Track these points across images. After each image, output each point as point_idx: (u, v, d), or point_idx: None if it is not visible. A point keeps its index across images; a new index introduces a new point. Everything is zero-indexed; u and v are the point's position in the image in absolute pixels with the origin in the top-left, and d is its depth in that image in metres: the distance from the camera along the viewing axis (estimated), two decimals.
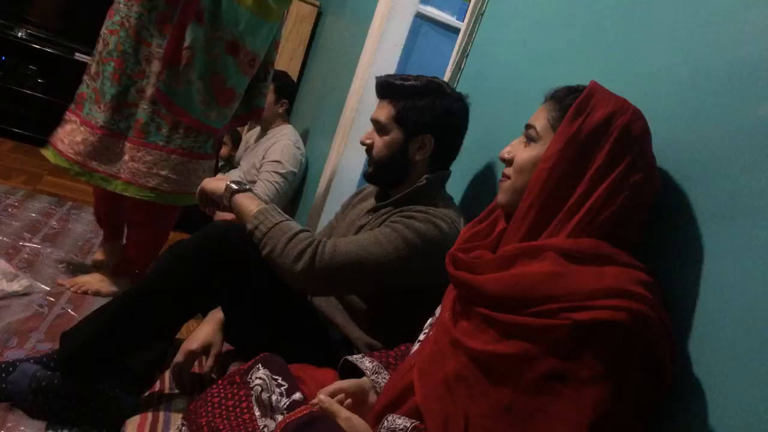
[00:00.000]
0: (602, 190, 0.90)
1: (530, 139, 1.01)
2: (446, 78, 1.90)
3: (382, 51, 2.67)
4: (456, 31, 1.98)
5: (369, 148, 1.56)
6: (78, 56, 3.92)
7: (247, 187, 1.48)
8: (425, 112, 1.49)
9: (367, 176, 1.59)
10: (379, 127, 1.54)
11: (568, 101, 0.96)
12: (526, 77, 1.55)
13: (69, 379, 1.31)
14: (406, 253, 1.36)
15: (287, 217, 1.41)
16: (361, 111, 2.68)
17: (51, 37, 3.91)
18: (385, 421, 0.93)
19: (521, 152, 1.01)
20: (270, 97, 3.20)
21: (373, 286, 1.43)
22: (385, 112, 1.52)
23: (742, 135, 0.90)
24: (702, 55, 1.02)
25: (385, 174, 1.55)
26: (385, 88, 1.54)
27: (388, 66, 2.68)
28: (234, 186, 1.46)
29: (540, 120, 1.00)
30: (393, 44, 2.67)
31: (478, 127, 1.68)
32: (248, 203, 1.43)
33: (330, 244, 1.35)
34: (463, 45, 1.86)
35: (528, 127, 1.02)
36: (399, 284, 1.41)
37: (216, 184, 1.50)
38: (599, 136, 0.92)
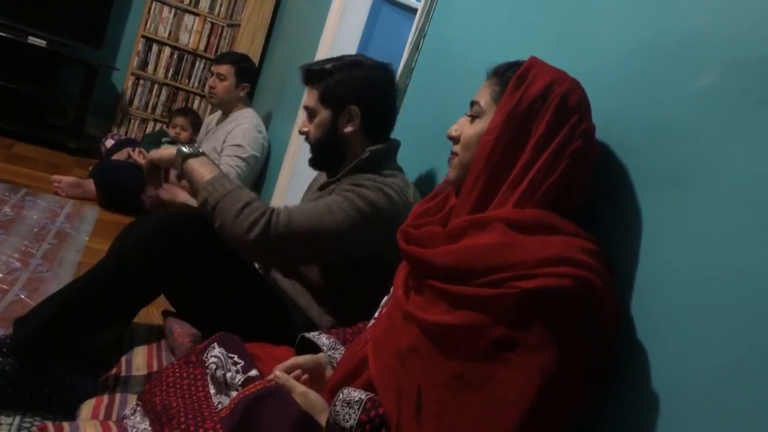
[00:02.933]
0: (544, 158, 0.92)
1: (475, 115, 1.03)
2: (404, 58, 1.90)
3: (342, 33, 2.66)
4: (415, 11, 1.98)
5: (307, 136, 1.59)
6: (32, 40, 3.81)
7: (201, 151, 1.45)
8: (344, 84, 1.52)
9: (310, 163, 1.62)
10: (310, 113, 1.57)
11: (508, 75, 0.98)
12: (482, 55, 1.56)
13: (21, 365, 1.28)
14: (359, 221, 1.36)
15: (239, 184, 1.40)
16: None
17: (4, 21, 3.79)
18: (341, 394, 0.94)
19: (467, 128, 1.03)
20: (231, 80, 3.16)
21: (327, 256, 1.43)
22: (312, 97, 1.56)
23: (684, 105, 0.92)
24: (646, 27, 1.04)
25: (324, 154, 1.58)
26: (307, 75, 1.57)
27: (349, 48, 2.67)
28: (186, 150, 1.43)
29: (483, 96, 1.02)
30: (353, 26, 2.66)
31: (435, 106, 1.69)
32: (201, 170, 1.39)
33: (284, 213, 1.35)
34: (421, 25, 1.86)
35: (473, 103, 1.03)
36: (353, 254, 1.42)
37: (166, 151, 1.47)
38: (539, 105, 0.94)
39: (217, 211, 1.34)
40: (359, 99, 1.53)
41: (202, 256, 1.37)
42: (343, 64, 1.55)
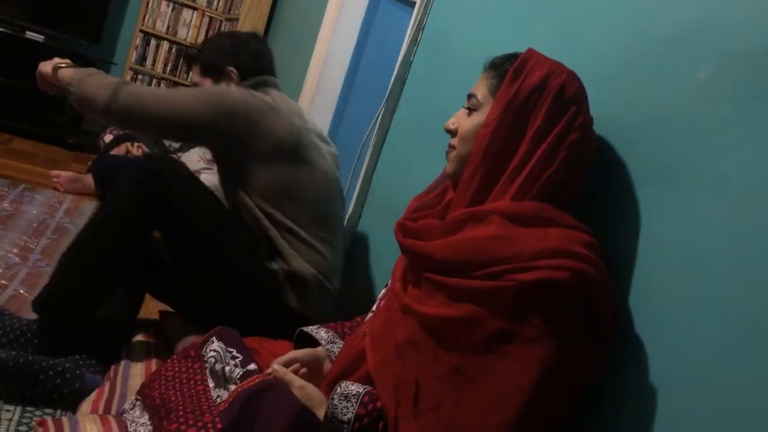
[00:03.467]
0: (542, 151, 0.92)
1: (472, 108, 1.02)
2: (402, 51, 1.89)
3: (340, 26, 2.65)
4: (413, 5, 1.97)
5: None
6: (29, 35, 3.80)
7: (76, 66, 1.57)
8: (217, 53, 1.76)
9: None
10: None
11: (505, 67, 0.98)
12: (479, 48, 1.55)
13: (43, 351, 1.34)
14: (205, 98, 1.52)
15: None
16: (320, 87, 2.66)
17: (2, 17, 3.77)
18: (338, 388, 0.94)
19: (464, 121, 1.02)
20: None
21: (170, 124, 1.52)
22: (195, 73, 1.80)
23: (681, 98, 0.92)
24: (643, 20, 1.04)
25: None
26: (185, 58, 1.87)
27: (347, 41, 2.66)
28: (62, 63, 1.56)
29: (480, 88, 1.01)
30: (351, 19, 2.66)
31: (434, 98, 1.69)
32: (70, 71, 1.51)
33: (135, 84, 1.53)
34: (419, 18, 1.86)
35: (470, 96, 1.03)
36: (215, 138, 1.56)
37: (45, 64, 1.57)
38: (536, 97, 0.93)
39: (77, 89, 1.47)
40: (232, 59, 1.73)
41: (183, 192, 1.45)
42: (215, 39, 1.85)
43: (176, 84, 4.52)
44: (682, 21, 0.96)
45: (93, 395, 1.25)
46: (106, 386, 1.29)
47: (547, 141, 0.92)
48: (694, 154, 0.88)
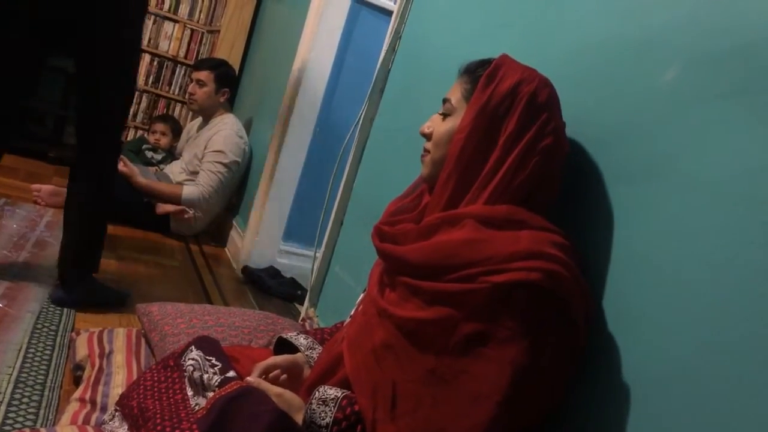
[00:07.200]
0: (514, 156, 0.93)
1: (447, 113, 1.03)
2: (380, 60, 1.91)
3: (320, 37, 2.66)
4: (392, 14, 1.99)
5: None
6: None
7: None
8: None
9: None
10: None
11: (479, 73, 0.99)
12: (456, 54, 1.57)
13: None
14: None
15: None
16: (300, 97, 2.66)
17: None
18: (317, 392, 0.95)
19: (439, 126, 1.04)
20: (211, 86, 3.15)
21: None
22: None
23: (651, 99, 0.94)
24: (613, 23, 1.06)
25: None
26: None
27: (327, 51, 2.67)
28: None
29: (455, 93, 1.03)
30: (331, 29, 2.67)
31: (411, 105, 1.70)
32: None
33: None
34: (396, 26, 1.88)
35: (444, 101, 1.04)
36: None
37: None
38: (508, 103, 0.95)
39: None
40: None
41: None
42: None
43: (158, 96, 4.51)
44: (650, 24, 0.98)
45: (75, 405, 1.24)
46: (87, 397, 1.28)
47: (520, 146, 0.93)
48: (664, 154, 0.89)
